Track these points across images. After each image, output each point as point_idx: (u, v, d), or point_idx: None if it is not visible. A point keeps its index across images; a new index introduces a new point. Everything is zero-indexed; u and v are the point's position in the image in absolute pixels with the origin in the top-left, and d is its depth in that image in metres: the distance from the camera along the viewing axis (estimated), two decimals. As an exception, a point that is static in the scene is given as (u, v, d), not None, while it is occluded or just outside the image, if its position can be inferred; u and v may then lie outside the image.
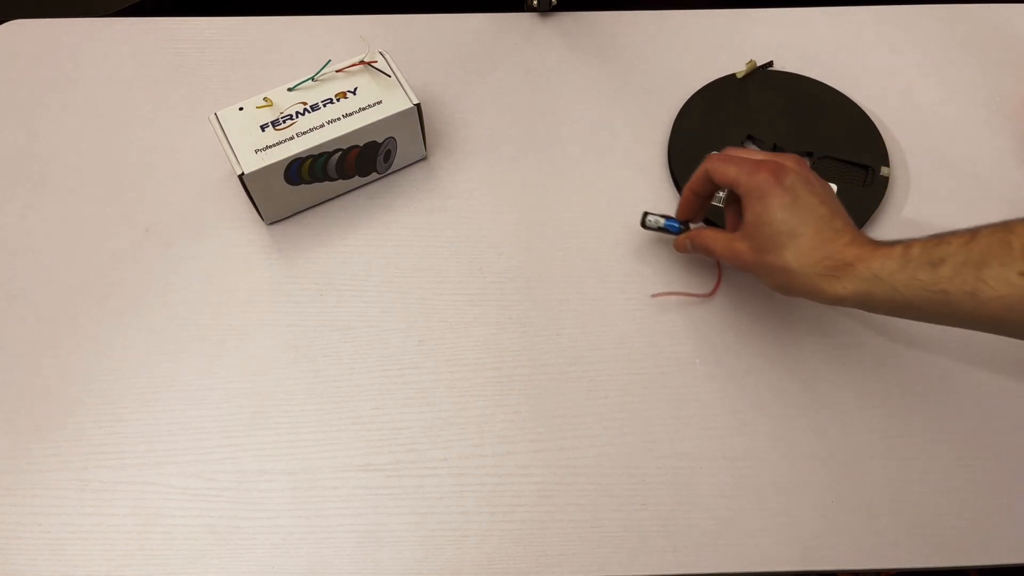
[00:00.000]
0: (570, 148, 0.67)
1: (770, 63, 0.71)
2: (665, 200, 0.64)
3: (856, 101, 0.68)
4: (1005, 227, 0.42)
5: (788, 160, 0.51)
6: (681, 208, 0.58)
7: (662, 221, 0.59)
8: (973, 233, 0.43)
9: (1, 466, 0.53)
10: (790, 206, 0.48)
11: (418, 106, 0.60)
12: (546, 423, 0.54)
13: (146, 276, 0.60)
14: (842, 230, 0.48)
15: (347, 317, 0.59)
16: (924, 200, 0.64)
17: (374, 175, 0.64)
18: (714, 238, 0.54)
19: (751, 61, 0.70)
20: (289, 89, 0.60)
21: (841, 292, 0.47)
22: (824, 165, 0.65)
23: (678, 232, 0.59)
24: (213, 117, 0.59)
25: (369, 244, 0.62)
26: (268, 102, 0.60)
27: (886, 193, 0.64)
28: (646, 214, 0.59)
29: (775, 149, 0.66)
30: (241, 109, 0.59)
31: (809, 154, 0.65)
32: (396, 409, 0.55)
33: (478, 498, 0.52)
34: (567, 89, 0.70)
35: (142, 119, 0.68)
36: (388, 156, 0.63)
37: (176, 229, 0.62)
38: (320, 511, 0.52)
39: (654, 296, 0.59)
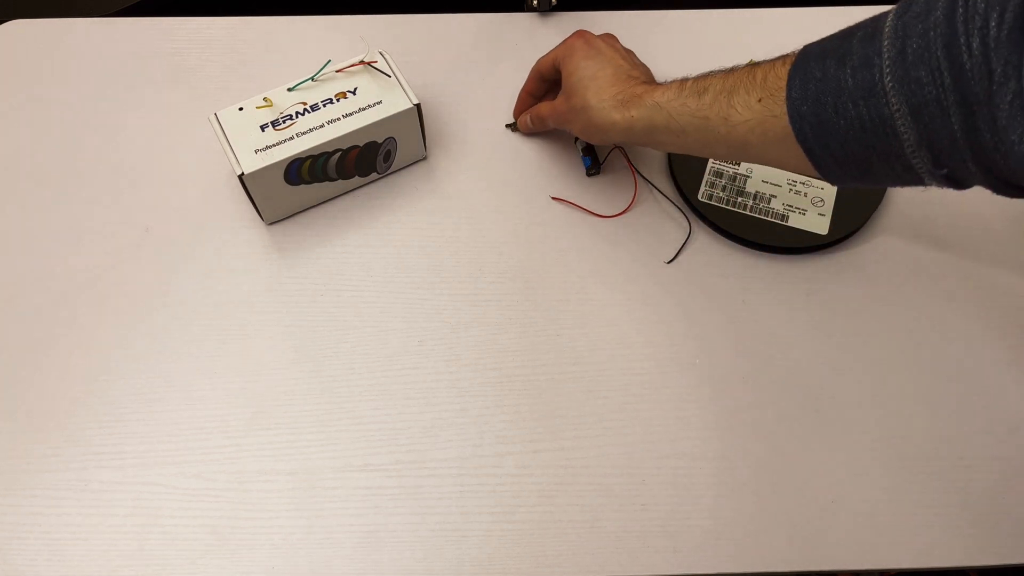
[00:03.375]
0: (569, 148, 0.67)
1: (770, 63, 0.71)
2: (666, 199, 0.64)
3: (856, 101, 0.68)
4: (755, 63, 0.48)
5: (601, 34, 0.60)
6: (516, 107, 0.67)
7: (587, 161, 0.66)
8: (733, 68, 0.50)
9: (1, 466, 0.53)
10: (593, 56, 0.57)
11: (418, 106, 0.60)
12: (546, 423, 0.54)
13: (146, 276, 0.60)
14: (637, 76, 0.56)
15: (347, 317, 0.59)
16: (924, 199, 0.64)
17: (374, 175, 0.64)
18: (542, 106, 0.63)
19: (751, 61, 0.70)
20: (289, 89, 0.60)
21: (628, 119, 0.53)
22: (824, 165, 0.65)
23: (589, 167, 0.65)
24: (213, 117, 0.59)
25: (369, 244, 0.62)
26: (268, 102, 0.60)
27: (886, 193, 0.64)
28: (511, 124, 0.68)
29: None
30: (241, 109, 0.59)
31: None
32: (396, 409, 0.55)
33: (478, 498, 0.52)
34: (567, 89, 0.70)
35: (142, 119, 0.68)
36: (388, 156, 0.63)
37: (176, 229, 0.62)
38: (320, 511, 0.52)
39: (553, 199, 0.64)
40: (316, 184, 0.61)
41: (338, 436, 0.54)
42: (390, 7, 0.75)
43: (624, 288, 0.60)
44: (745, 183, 0.64)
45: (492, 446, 0.54)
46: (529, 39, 0.73)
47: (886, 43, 0.39)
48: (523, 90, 0.66)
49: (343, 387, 0.56)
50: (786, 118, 0.44)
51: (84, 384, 0.56)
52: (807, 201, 0.63)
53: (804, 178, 0.64)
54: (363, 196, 0.64)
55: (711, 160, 0.65)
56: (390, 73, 0.61)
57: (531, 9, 0.75)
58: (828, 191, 0.63)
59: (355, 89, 0.60)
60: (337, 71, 0.61)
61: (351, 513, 0.51)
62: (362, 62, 0.61)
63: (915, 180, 0.42)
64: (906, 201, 0.64)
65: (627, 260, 0.61)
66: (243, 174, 0.56)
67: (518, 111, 0.67)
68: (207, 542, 0.51)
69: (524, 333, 0.58)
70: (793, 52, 0.45)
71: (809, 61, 0.43)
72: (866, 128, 0.41)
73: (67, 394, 0.55)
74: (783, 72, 0.44)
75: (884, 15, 0.40)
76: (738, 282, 0.60)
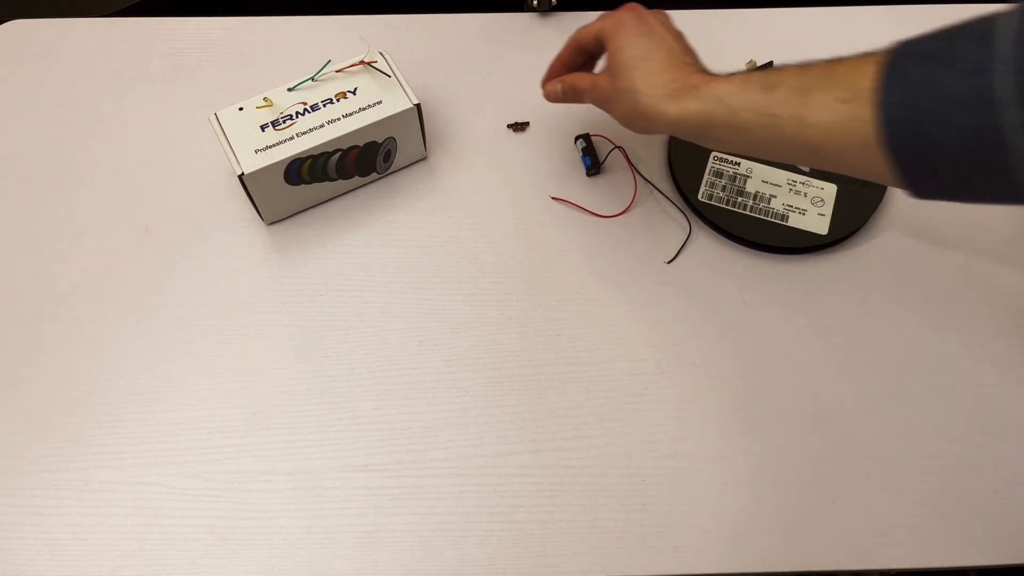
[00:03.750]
0: (569, 148, 0.67)
1: (770, 63, 0.71)
2: (666, 199, 0.64)
3: (856, 101, 0.68)
4: (833, 59, 0.44)
5: (652, 10, 0.55)
6: (547, 74, 0.61)
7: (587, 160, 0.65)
8: (806, 64, 0.45)
9: (1, 466, 0.53)
10: (645, 35, 0.52)
11: (418, 106, 0.60)
12: (546, 423, 0.54)
13: (146, 276, 0.60)
14: (691, 63, 0.51)
15: (347, 317, 0.59)
16: (924, 200, 0.64)
17: (374, 175, 0.64)
18: (581, 77, 0.57)
19: (751, 61, 0.70)
20: (289, 89, 0.60)
21: (682, 112, 0.48)
22: (824, 165, 0.65)
23: (589, 167, 0.64)
24: (213, 117, 0.59)
25: (369, 244, 0.62)
26: (268, 102, 0.60)
27: (886, 193, 0.64)
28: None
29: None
30: (241, 109, 0.59)
31: (809, 154, 0.65)
32: (396, 409, 0.55)
33: (478, 498, 0.52)
34: (567, 89, 0.70)
35: (142, 119, 0.68)
36: (388, 156, 0.63)
37: (176, 229, 0.62)
38: (320, 511, 0.52)
39: (553, 199, 0.64)
40: (316, 184, 0.61)
41: (338, 436, 0.54)
42: (390, 7, 0.75)
43: (624, 288, 0.60)
44: (745, 183, 0.64)
45: (492, 446, 0.54)
46: (529, 39, 0.73)
47: (1003, 48, 0.35)
48: (557, 59, 0.60)
49: (343, 387, 0.56)
50: (874, 123, 0.40)
51: (84, 384, 0.56)
52: (807, 201, 0.63)
53: (804, 178, 0.64)
54: (363, 196, 0.64)
55: (711, 160, 0.65)
56: (390, 73, 0.61)
57: (531, 9, 0.75)
58: (828, 191, 0.63)
59: (355, 89, 0.60)
60: (337, 71, 0.61)
61: (351, 513, 0.52)
62: (362, 62, 0.61)
63: (1019, 198, 0.38)
64: (906, 201, 0.64)
65: (627, 260, 0.61)
66: (243, 174, 0.56)
67: (548, 78, 0.61)
68: (207, 542, 0.51)
69: (524, 333, 0.58)
70: (880, 50, 0.41)
71: (905, 62, 0.39)
72: (971, 140, 0.37)
73: (67, 394, 0.55)
74: (870, 71, 0.40)
75: (994, 16, 0.37)
76: (738, 282, 0.60)
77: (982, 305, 0.59)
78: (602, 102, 0.55)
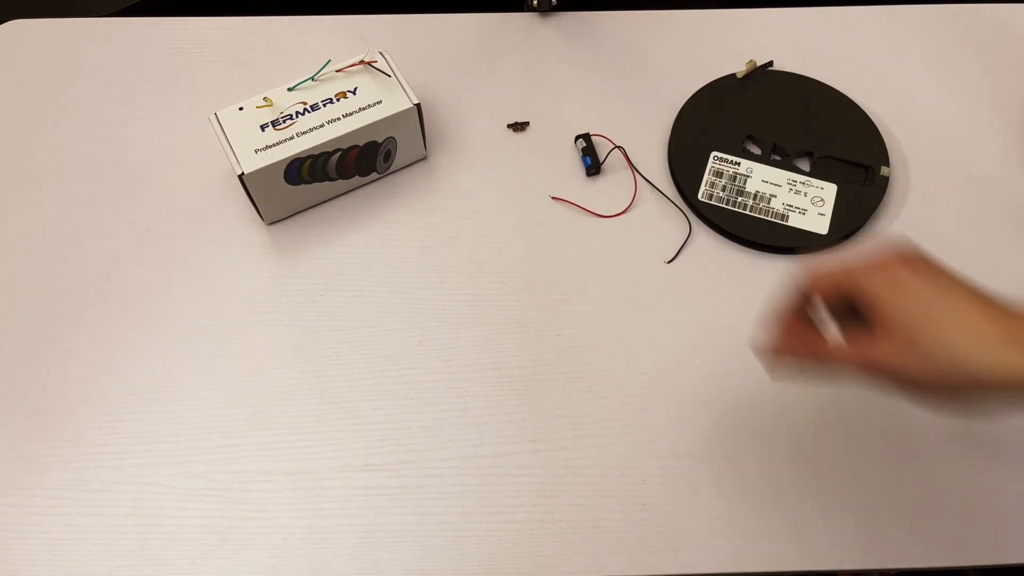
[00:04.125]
0: (569, 148, 0.67)
1: (770, 63, 0.71)
2: (666, 199, 0.64)
3: (856, 101, 0.68)
4: None
5: (900, 247, 0.41)
6: (779, 339, 0.45)
7: None
8: None
9: (1, 466, 0.53)
10: (931, 281, 0.39)
11: (418, 106, 0.60)
12: (546, 423, 0.54)
13: (146, 276, 0.60)
14: (1002, 300, 0.39)
15: (347, 317, 0.59)
16: (924, 200, 0.64)
17: (374, 175, 0.64)
18: (838, 352, 0.42)
19: (751, 61, 0.70)
20: (289, 89, 0.60)
21: None
22: (824, 165, 0.65)
23: (589, 167, 0.64)
24: (213, 117, 0.59)
25: (369, 244, 0.62)
26: (268, 102, 0.60)
27: (886, 193, 0.64)
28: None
29: (775, 150, 0.66)
30: (241, 109, 0.59)
31: (809, 154, 0.65)
32: (396, 409, 0.55)
33: (478, 498, 0.52)
34: (567, 89, 0.70)
35: (142, 119, 0.68)
36: (388, 156, 0.63)
37: (176, 229, 0.62)
38: (320, 511, 0.52)
39: (553, 199, 0.63)
40: (316, 184, 0.61)
41: (338, 436, 0.54)
42: (390, 7, 0.75)
43: (624, 288, 0.60)
44: (745, 183, 0.64)
45: (492, 446, 0.54)
46: (529, 39, 0.73)
47: None
48: (784, 328, 0.45)
49: (343, 387, 0.56)
50: None
51: (84, 384, 0.56)
52: (807, 201, 0.63)
53: (804, 178, 0.64)
54: (363, 196, 0.64)
55: (711, 160, 0.65)
56: (390, 73, 0.61)
57: (531, 9, 0.75)
58: (828, 191, 0.63)
59: (355, 89, 0.60)
60: (337, 71, 0.61)
61: (351, 513, 0.52)
62: (362, 62, 0.61)
63: None
64: (906, 201, 0.64)
65: (627, 260, 0.61)
66: (243, 174, 0.56)
67: (784, 346, 0.44)
68: (207, 542, 0.51)
69: (524, 333, 0.58)
70: None
71: None
72: None
73: (67, 394, 0.55)
74: None
75: None
76: (738, 282, 0.60)
77: (982, 305, 0.59)
78: (886, 374, 0.40)
